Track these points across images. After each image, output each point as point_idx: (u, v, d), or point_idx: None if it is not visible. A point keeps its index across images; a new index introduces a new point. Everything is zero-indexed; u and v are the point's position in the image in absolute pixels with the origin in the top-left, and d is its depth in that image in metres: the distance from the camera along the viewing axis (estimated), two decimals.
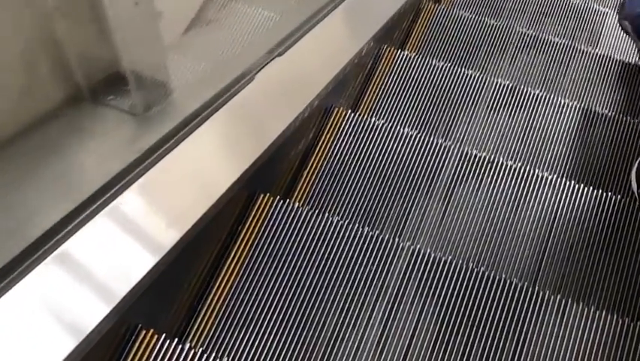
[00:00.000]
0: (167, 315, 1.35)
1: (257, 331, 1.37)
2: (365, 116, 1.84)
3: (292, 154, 1.69)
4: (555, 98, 2.08)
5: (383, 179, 1.73)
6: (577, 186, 1.75)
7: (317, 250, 1.47)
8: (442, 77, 2.09)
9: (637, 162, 1.92)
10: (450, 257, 1.49)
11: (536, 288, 1.47)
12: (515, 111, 2.05)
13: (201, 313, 1.38)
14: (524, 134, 2.01)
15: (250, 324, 1.38)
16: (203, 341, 1.36)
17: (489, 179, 1.75)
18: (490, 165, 1.77)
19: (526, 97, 2.08)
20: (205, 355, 1.24)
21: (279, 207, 1.51)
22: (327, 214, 1.52)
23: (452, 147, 1.79)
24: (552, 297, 1.46)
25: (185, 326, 1.37)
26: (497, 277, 1.47)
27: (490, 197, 1.73)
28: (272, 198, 1.52)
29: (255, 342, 1.36)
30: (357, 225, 1.51)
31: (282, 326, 1.38)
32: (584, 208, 1.72)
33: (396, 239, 1.51)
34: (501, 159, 1.79)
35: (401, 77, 2.08)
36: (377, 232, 1.51)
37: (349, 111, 1.83)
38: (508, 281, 1.47)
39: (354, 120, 1.81)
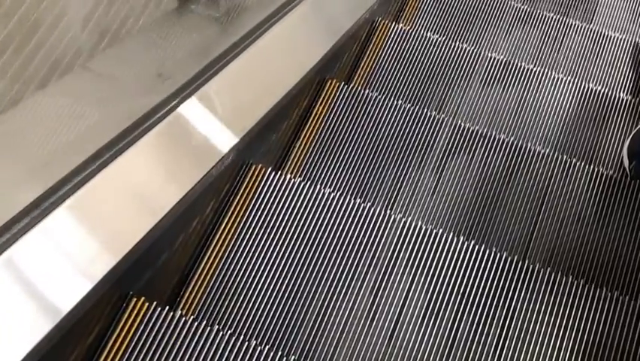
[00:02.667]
0: (159, 284, 1.36)
1: (248, 300, 1.38)
2: (358, 88, 1.84)
3: (285, 125, 1.69)
4: (549, 72, 2.08)
5: (376, 151, 1.73)
6: (569, 160, 1.75)
7: (308, 221, 1.48)
8: (436, 51, 2.09)
9: (629, 137, 1.92)
10: (441, 230, 1.50)
11: (526, 261, 1.48)
12: (509, 85, 2.05)
13: (192, 281, 1.39)
14: (518, 108, 2.01)
15: (241, 293, 1.39)
16: (194, 310, 1.36)
17: (481, 152, 1.75)
18: (482, 138, 1.77)
19: (521, 71, 2.08)
20: (196, 323, 1.25)
21: (271, 178, 1.51)
22: (318, 186, 1.52)
23: (445, 120, 1.79)
24: (542, 270, 1.47)
25: (176, 294, 1.38)
26: (487, 251, 1.48)
27: (482, 170, 1.73)
28: (264, 169, 1.52)
29: (245, 311, 1.37)
30: (348, 196, 1.52)
31: (273, 296, 1.39)
32: (576, 183, 1.73)
33: (388, 211, 1.51)
34: (494, 132, 1.80)
35: (395, 50, 2.07)
36: (369, 204, 1.51)
37: (342, 83, 1.83)
38: (499, 255, 1.48)
39: (347, 92, 1.81)
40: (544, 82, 2.07)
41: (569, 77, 2.09)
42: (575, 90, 2.06)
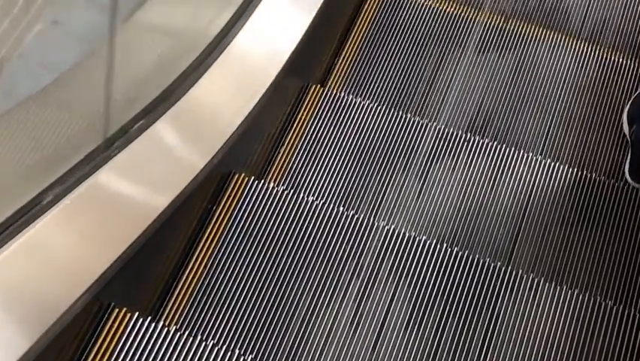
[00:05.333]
0: (142, 294, 1.36)
1: (231, 309, 1.38)
2: (342, 94, 1.83)
3: (268, 133, 1.69)
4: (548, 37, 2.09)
5: (360, 156, 1.73)
6: (552, 164, 1.75)
7: (292, 229, 1.48)
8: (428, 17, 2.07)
9: (628, 103, 1.91)
10: (424, 237, 1.50)
11: (509, 268, 1.48)
12: (504, 52, 2.03)
13: (175, 292, 1.38)
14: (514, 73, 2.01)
15: (225, 303, 1.38)
16: (177, 320, 1.36)
17: (465, 156, 1.75)
18: (466, 143, 1.77)
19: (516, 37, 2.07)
20: (178, 333, 1.24)
21: (254, 187, 1.51)
22: (302, 194, 1.52)
23: (429, 125, 1.79)
24: (525, 276, 1.47)
25: (159, 305, 1.38)
26: (471, 257, 1.48)
27: (467, 174, 1.73)
28: (247, 178, 1.52)
29: (229, 321, 1.37)
30: (332, 205, 1.52)
31: (257, 305, 1.39)
32: (560, 187, 1.73)
33: (372, 219, 1.51)
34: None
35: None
36: (352, 212, 1.51)
37: (326, 89, 1.83)
38: (482, 261, 1.48)
39: (331, 98, 1.81)
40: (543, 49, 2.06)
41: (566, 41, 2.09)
42: (573, 55, 2.06)
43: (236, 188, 1.51)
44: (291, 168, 1.69)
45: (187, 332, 1.27)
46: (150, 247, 1.28)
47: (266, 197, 1.50)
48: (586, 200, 1.72)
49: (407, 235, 1.49)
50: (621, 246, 1.65)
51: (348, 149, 1.73)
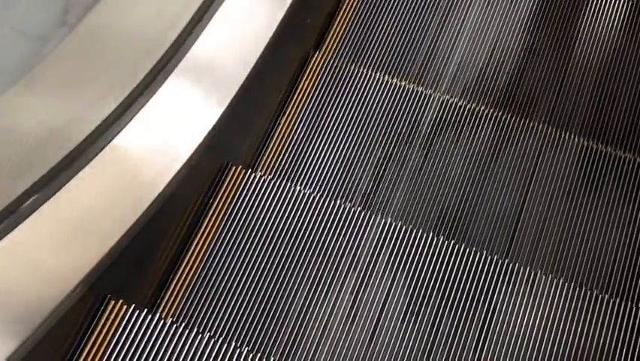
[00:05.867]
0: (139, 287, 1.35)
1: (228, 302, 1.38)
2: (341, 62, 1.81)
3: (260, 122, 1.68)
4: None
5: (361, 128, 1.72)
6: (560, 134, 1.75)
7: (289, 221, 1.47)
8: None
9: None
10: (421, 230, 1.49)
11: (506, 260, 1.48)
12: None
13: (172, 284, 1.38)
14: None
15: (221, 295, 1.38)
16: (174, 313, 1.36)
17: (469, 128, 1.74)
18: (470, 113, 1.76)
19: None
20: (175, 326, 1.24)
21: (250, 180, 1.51)
22: (299, 187, 1.52)
23: (432, 95, 1.77)
24: (522, 269, 1.47)
25: (156, 297, 1.38)
26: (468, 250, 1.48)
27: (470, 147, 1.72)
28: (243, 171, 1.51)
29: (226, 313, 1.37)
30: (329, 198, 1.51)
31: (253, 297, 1.39)
32: (566, 156, 1.72)
33: (368, 212, 1.51)
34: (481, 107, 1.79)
35: None
36: (350, 205, 1.51)
37: (324, 57, 1.81)
38: (479, 254, 1.47)
39: (329, 67, 1.79)
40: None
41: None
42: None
43: (232, 180, 1.50)
44: (291, 140, 1.67)
45: (183, 325, 1.27)
46: (147, 240, 1.28)
47: (263, 189, 1.50)
48: (593, 170, 1.71)
49: (403, 227, 1.49)
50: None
51: (349, 121, 1.72)
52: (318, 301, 1.40)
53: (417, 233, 1.48)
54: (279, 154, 1.66)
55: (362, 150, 1.68)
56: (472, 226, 1.59)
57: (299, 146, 1.68)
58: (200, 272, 1.40)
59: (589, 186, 1.68)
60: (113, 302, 1.23)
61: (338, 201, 1.51)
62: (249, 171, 1.52)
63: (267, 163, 1.64)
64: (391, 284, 1.44)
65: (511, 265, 1.47)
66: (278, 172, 1.64)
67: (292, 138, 1.68)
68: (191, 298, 1.37)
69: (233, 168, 1.51)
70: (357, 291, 1.42)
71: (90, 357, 1.19)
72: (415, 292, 1.44)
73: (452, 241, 1.48)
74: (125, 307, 1.23)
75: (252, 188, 1.50)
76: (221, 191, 1.49)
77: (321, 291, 1.42)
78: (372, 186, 1.65)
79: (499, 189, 1.67)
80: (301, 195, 1.50)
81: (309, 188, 1.60)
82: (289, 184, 1.51)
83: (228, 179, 1.50)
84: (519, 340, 1.40)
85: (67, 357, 1.18)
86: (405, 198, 1.64)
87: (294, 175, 1.64)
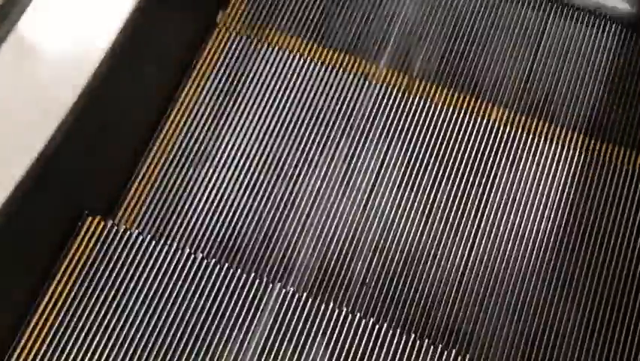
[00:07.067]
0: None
1: None
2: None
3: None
4: None
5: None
6: None
7: (277, 86, 1.35)
8: None
9: None
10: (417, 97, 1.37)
11: (507, 127, 1.37)
12: None
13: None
14: None
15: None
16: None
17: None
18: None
19: None
20: (141, 237, 1.21)
21: None
22: None
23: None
24: (525, 134, 1.37)
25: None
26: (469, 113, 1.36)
27: None
28: None
29: None
30: (318, 64, 1.37)
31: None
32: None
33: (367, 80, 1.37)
34: None
35: None
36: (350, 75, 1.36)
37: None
38: (480, 116, 1.36)
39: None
40: None
41: None
42: None
43: None
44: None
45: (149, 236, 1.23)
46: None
47: None
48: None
49: (400, 91, 1.36)
50: None
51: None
52: (309, 168, 1.35)
53: (414, 97, 1.36)
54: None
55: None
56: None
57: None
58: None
59: None
60: (90, 218, 1.19)
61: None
62: None
63: None
64: (386, 151, 1.36)
65: (512, 131, 1.36)
66: None
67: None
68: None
69: None
70: (351, 158, 1.36)
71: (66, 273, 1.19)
72: (411, 159, 1.36)
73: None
74: (101, 222, 1.20)
75: None
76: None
77: (312, 159, 1.35)
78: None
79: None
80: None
81: None
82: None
83: None
84: (520, 209, 1.35)
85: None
86: None
87: None
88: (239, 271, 1.19)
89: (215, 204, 1.32)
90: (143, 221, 1.30)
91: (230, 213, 1.31)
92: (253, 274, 1.18)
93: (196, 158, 1.35)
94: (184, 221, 1.30)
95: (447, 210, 1.34)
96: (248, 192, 1.33)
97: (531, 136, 1.39)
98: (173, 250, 1.20)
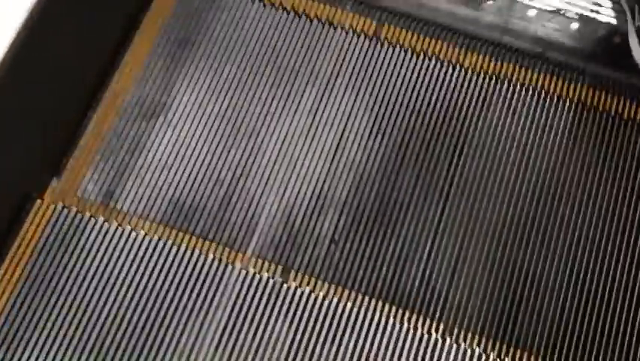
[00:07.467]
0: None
1: None
2: None
3: None
4: None
5: None
6: None
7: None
8: None
9: None
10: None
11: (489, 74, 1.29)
12: None
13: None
14: None
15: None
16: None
17: None
18: None
19: None
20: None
21: None
22: None
23: None
24: (508, 84, 1.29)
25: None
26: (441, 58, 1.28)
27: None
28: None
29: None
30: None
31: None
32: None
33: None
34: None
35: None
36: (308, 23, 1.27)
37: None
38: (453, 63, 1.28)
39: None
40: None
41: None
42: None
43: None
44: None
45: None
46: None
47: None
48: None
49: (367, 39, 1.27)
50: None
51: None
52: (272, 121, 1.26)
53: (382, 44, 1.27)
54: None
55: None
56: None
57: None
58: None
59: None
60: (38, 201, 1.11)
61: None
62: None
63: None
64: (354, 100, 1.27)
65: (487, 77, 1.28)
66: None
67: None
68: None
69: None
70: (317, 109, 1.27)
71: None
72: (380, 108, 1.27)
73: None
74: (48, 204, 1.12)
75: None
76: None
77: (283, 104, 1.27)
78: None
79: None
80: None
81: None
82: None
83: None
84: (496, 156, 1.27)
85: None
86: None
87: None
88: (197, 251, 1.15)
89: (169, 161, 1.23)
90: (92, 180, 1.22)
91: (187, 171, 1.23)
92: (212, 256, 1.13)
93: (148, 112, 1.26)
94: (137, 179, 1.22)
95: (420, 159, 1.26)
96: (205, 148, 1.25)
97: (500, 79, 1.32)
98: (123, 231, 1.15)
